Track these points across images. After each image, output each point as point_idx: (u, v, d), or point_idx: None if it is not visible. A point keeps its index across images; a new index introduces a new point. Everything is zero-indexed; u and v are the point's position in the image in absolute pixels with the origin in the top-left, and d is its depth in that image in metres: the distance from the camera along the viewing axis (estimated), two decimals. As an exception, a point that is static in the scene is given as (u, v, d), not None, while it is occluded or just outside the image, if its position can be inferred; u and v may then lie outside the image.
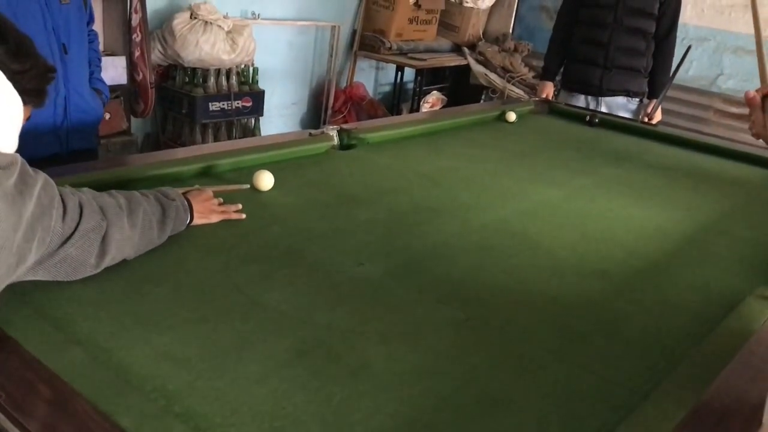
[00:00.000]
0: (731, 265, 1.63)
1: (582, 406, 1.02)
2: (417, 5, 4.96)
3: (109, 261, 1.19)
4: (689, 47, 3.34)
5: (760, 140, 1.52)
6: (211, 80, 3.86)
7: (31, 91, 1.12)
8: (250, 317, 1.16)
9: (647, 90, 3.48)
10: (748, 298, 1.37)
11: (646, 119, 3.28)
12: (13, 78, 1.07)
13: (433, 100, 5.24)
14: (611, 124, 2.98)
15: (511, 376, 1.08)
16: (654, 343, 1.22)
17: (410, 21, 5.00)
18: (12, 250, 0.99)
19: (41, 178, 1.07)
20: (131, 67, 3.54)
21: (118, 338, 1.05)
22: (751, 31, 1.61)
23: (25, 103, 1.10)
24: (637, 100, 3.50)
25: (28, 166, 1.06)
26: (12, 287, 1.04)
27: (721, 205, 2.07)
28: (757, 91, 1.38)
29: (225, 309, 1.18)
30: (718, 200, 2.12)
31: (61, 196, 1.10)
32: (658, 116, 3.37)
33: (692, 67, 4.71)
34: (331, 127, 2.23)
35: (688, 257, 1.65)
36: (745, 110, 1.58)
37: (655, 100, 3.39)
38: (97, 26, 2.82)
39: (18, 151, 1.09)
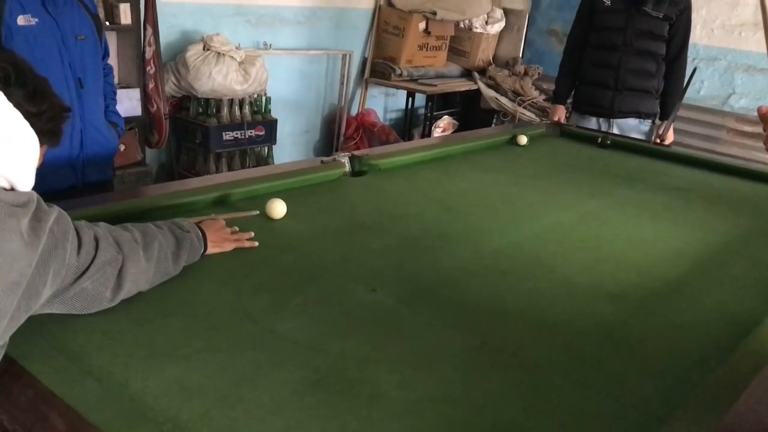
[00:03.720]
0: (748, 286, 1.61)
1: (597, 431, 1.00)
2: (427, 32, 5.00)
3: (124, 294, 1.20)
4: (695, 69, 3.34)
5: None
6: (225, 110, 3.91)
7: (46, 132, 1.13)
8: (263, 346, 1.16)
9: (659, 111, 3.48)
10: (765, 321, 1.36)
11: (658, 140, 3.27)
12: (30, 119, 1.09)
13: (444, 125, 5.26)
14: (623, 145, 2.97)
15: (524, 402, 1.07)
16: (670, 367, 1.21)
17: (420, 47, 5.05)
18: (28, 286, 1.00)
19: (54, 211, 1.08)
20: (145, 99, 3.60)
21: (131, 369, 1.05)
22: (763, 49, 1.61)
23: (40, 143, 1.12)
24: (650, 121, 3.50)
25: (42, 202, 1.07)
26: (27, 320, 1.05)
27: (736, 226, 2.05)
28: None
29: (238, 338, 1.18)
30: (734, 221, 2.10)
31: (76, 229, 1.12)
32: (670, 137, 3.36)
33: (704, 87, 4.71)
34: (342, 153, 2.24)
35: (703, 279, 1.63)
36: (759, 128, 1.58)
37: (666, 122, 3.38)
38: (112, 59, 2.87)
39: (35, 184, 1.10)
